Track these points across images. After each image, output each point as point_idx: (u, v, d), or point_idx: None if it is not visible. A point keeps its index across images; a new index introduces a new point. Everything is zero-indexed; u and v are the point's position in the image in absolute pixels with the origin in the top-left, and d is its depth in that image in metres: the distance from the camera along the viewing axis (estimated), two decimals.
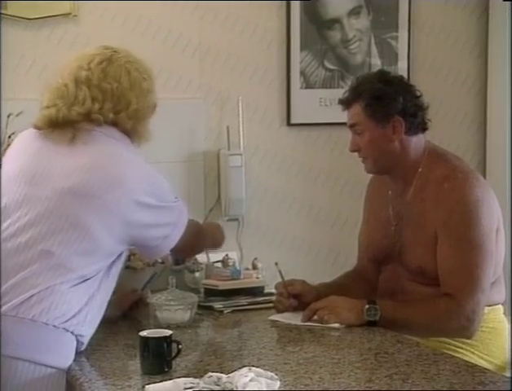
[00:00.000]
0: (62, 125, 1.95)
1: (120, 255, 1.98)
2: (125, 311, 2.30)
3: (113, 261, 1.96)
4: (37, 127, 2.00)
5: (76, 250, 1.86)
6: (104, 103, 1.96)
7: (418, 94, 2.27)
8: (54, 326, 1.82)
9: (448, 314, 2.13)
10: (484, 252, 2.14)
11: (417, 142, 2.27)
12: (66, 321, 1.84)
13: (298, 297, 2.33)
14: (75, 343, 1.88)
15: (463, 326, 2.14)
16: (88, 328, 1.90)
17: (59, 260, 1.84)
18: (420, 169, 2.25)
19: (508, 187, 3.08)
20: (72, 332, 1.85)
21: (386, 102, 2.21)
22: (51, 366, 1.82)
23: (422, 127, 2.28)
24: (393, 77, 2.30)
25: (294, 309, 2.31)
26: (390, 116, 2.21)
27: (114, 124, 1.97)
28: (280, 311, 2.32)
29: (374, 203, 2.42)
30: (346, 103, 2.28)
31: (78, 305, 1.86)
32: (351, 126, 2.28)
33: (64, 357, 1.86)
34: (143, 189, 1.92)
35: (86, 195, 1.87)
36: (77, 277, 1.86)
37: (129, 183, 1.90)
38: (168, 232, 2.01)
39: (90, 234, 1.86)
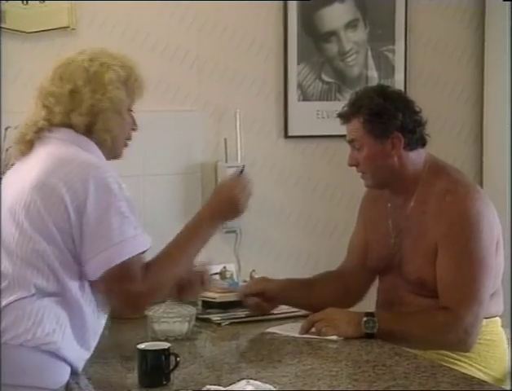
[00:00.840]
0: (22, 143, 1.93)
1: None
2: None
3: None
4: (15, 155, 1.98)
5: (26, 264, 1.79)
6: (55, 107, 1.90)
7: (417, 109, 2.28)
8: (21, 345, 1.74)
9: (446, 326, 2.13)
10: (484, 266, 2.15)
11: (416, 157, 2.27)
12: (36, 338, 1.75)
13: (262, 295, 2.36)
14: (65, 365, 1.79)
15: (461, 339, 2.14)
16: (73, 349, 1.80)
17: (12, 277, 1.78)
18: (421, 183, 2.26)
19: (508, 198, 3.08)
20: (53, 353, 1.77)
21: (386, 118, 2.21)
22: (43, 388, 1.76)
23: (421, 142, 2.29)
24: (392, 92, 2.30)
25: (260, 309, 2.36)
26: (389, 132, 2.21)
27: (68, 125, 1.91)
28: (253, 311, 2.37)
29: (372, 215, 2.42)
30: (345, 117, 2.28)
31: (48, 321, 1.77)
32: (350, 141, 2.29)
33: (51, 378, 1.78)
34: (72, 185, 1.79)
35: (19, 209, 1.81)
36: (37, 291, 1.78)
37: (53, 180, 1.79)
38: (102, 249, 1.79)
39: (33, 244, 1.79)
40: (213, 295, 2.62)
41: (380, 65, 3.28)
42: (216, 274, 2.80)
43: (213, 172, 3.04)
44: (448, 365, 2.03)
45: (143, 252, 1.85)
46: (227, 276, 2.77)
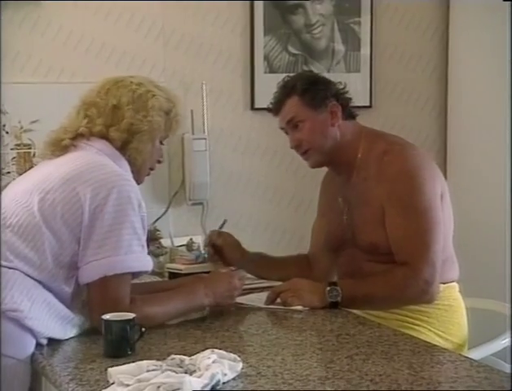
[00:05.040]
0: (56, 147, 2.00)
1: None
2: None
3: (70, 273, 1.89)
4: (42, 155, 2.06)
5: (18, 237, 1.86)
6: (97, 119, 1.99)
7: (342, 86, 2.33)
8: None
9: (406, 280, 2.16)
10: (431, 217, 2.17)
11: (353, 126, 2.31)
12: (4, 304, 1.78)
13: (222, 251, 2.46)
14: (30, 336, 1.82)
15: (423, 290, 2.16)
16: (41, 324, 1.82)
17: None
18: (360, 152, 2.29)
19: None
20: (19, 322, 1.79)
21: (322, 85, 2.27)
22: (10, 357, 1.79)
23: (352, 116, 2.33)
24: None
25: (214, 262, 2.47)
26: (326, 99, 2.26)
27: (106, 138, 1.99)
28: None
29: (327, 196, 2.46)
30: (278, 102, 2.30)
31: (17, 291, 1.80)
32: (288, 122, 2.29)
33: (21, 348, 1.81)
34: (96, 189, 1.86)
35: (43, 191, 1.89)
36: (17, 264, 1.83)
37: (78, 181, 1.88)
38: (103, 256, 1.85)
39: (32, 227, 1.86)
40: (179, 266, 2.64)
41: (347, 38, 3.28)
42: (183, 245, 2.81)
43: (179, 144, 3.03)
44: (407, 331, 2.07)
45: (144, 272, 1.93)
46: (194, 248, 2.78)
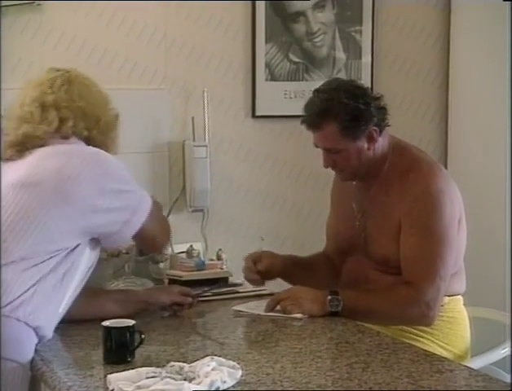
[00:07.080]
0: (28, 144, 1.97)
1: (82, 249, 1.94)
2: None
3: (73, 255, 1.91)
4: (5, 158, 2.00)
5: (10, 232, 1.85)
6: (77, 122, 2.01)
7: (378, 95, 2.27)
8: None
9: (408, 301, 2.16)
10: (446, 242, 2.18)
11: (383, 140, 2.28)
12: (9, 305, 1.79)
13: (266, 272, 2.39)
14: (34, 336, 1.83)
15: (423, 313, 2.16)
16: (43, 319, 1.84)
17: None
18: (386, 165, 2.27)
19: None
20: (26, 323, 1.81)
21: (364, 119, 2.19)
22: (11, 360, 1.79)
23: (386, 125, 2.30)
24: (356, 88, 2.24)
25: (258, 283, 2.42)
26: (367, 130, 2.21)
27: (87, 140, 2.03)
28: (250, 282, 2.42)
29: (339, 197, 2.45)
30: (316, 125, 2.21)
31: (21, 290, 1.81)
32: (327, 150, 2.24)
33: (23, 350, 1.82)
34: (98, 174, 1.93)
35: (31, 184, 1.89)
36: (17, 259, 1.83)
37: (83, 172, 1.90)
38: (128, 217, 1.98)
39: (27, 218, 1.86)
40: (179, 273, 2.64)
41: (348, 46, 3.29)
42: (183, 252, 2.81)
43: (180, 151, 3.04)
44: (410, 341, 2.07)
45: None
46: (194, 255, 2.78)
